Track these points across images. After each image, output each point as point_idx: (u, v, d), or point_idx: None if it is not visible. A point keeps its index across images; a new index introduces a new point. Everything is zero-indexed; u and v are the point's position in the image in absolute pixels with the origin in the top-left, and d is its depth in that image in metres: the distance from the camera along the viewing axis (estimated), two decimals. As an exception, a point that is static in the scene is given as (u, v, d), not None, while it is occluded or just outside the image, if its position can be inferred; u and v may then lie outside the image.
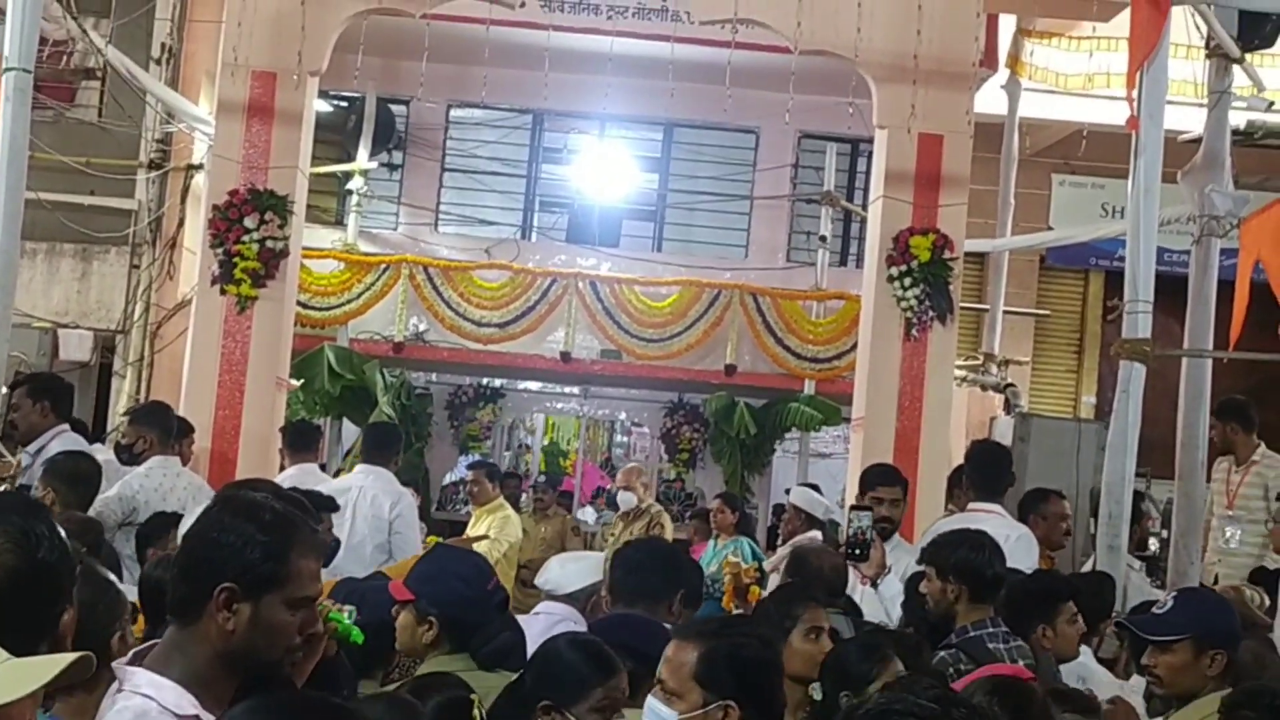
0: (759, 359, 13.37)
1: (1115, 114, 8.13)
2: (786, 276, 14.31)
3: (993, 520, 5.75)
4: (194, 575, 2.53)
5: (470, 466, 10.83)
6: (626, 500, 10.31)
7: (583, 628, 4.17)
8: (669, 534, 9.97)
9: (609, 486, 13.76)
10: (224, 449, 8.95)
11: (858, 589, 5.45)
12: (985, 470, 6.43)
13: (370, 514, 7.17)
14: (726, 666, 3.00)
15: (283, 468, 8.12)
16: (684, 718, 3.00)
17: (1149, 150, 6.18)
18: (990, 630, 4.35)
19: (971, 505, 6.31)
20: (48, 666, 1.82)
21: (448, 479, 14.40)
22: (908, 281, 9.14)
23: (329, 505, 5.27)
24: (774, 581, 6.66)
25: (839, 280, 13.68)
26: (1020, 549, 5.76)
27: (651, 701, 3.06)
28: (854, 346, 10.88)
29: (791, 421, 13.16)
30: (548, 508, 11.28)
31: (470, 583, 3.77)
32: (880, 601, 5.37)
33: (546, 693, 3.19)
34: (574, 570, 4.80)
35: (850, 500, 7.03)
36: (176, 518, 5.55)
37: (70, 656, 1.83)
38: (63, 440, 6.76)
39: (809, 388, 13.28)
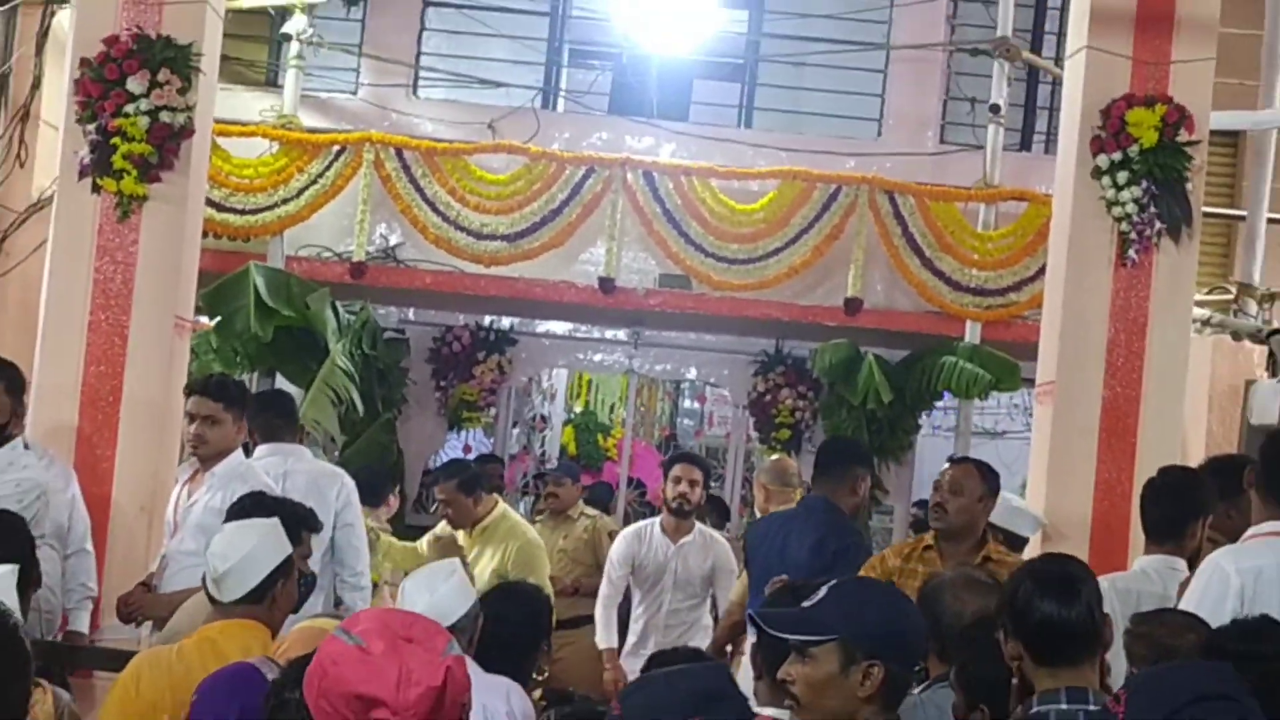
0: (897, 290, 11.84)
1: None
2: (939, 166, 12.73)
3: None
4: None
5: (445, 470, 9.06)
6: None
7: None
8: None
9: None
10: (98, 421, 7.96)
11: None
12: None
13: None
14: None
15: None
16: None
17: None
18: None
19: (1268, 526, 5.37)
20: None
21: (431, 465, 12.42)
22: (1123, 176, 8.25)
23: (311, 523, 5.17)
24: None
25: (1018, 173, 12.06)
26: None
27: None
28: (1040, 272, 10.24)
29: (945, 384, 11.42)
30: (565, 508, 9.69)
31: None
32: None
33: None
34: (449, 591, 4.40)
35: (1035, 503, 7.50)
36: None
37: None
38: None
39: (972, 334, 11.54)
